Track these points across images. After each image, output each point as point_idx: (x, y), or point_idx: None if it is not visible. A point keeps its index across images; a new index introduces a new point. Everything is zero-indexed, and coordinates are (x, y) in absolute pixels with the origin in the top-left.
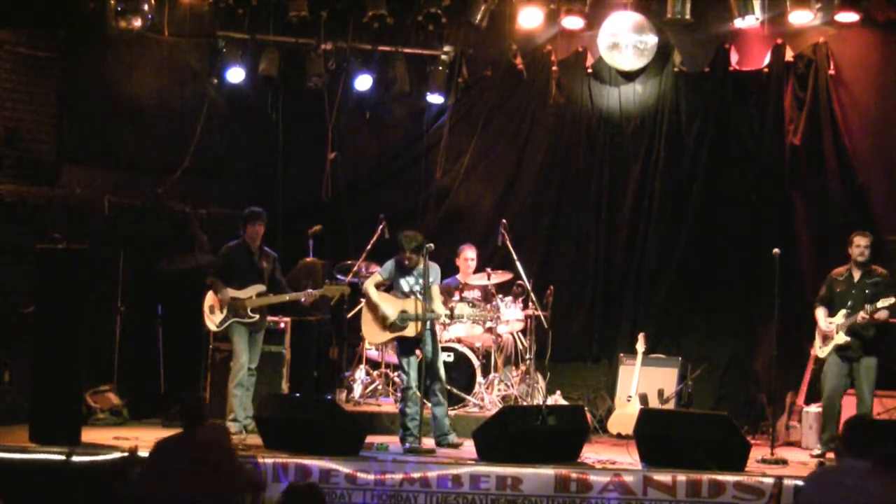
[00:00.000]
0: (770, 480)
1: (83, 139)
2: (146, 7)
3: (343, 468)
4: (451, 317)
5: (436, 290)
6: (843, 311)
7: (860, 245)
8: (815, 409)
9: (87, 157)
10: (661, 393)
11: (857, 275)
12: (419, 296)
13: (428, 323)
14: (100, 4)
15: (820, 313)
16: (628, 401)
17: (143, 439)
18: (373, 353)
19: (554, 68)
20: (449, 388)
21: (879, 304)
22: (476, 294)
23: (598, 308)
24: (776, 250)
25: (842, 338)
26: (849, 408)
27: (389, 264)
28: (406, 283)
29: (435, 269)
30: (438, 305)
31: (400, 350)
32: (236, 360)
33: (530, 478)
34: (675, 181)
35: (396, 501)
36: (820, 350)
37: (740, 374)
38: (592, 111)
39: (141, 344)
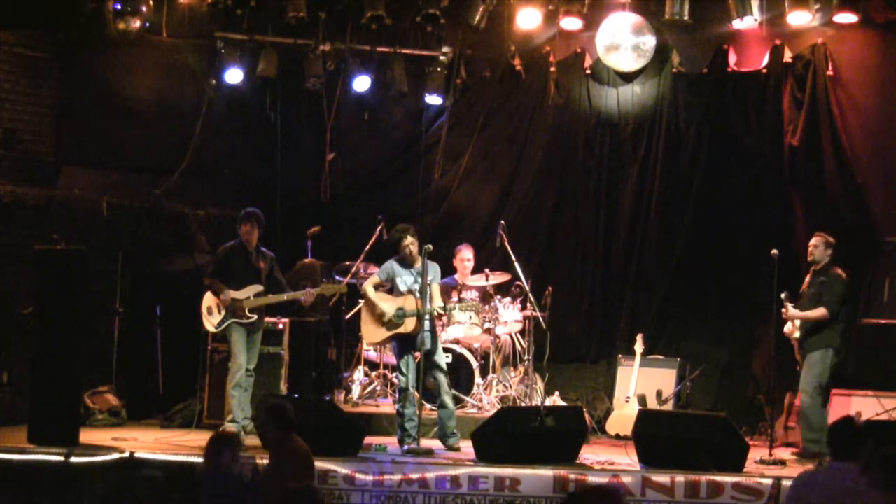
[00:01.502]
0: (768, 481)
1: (82, 140)
2: (145, 8)
3: (341, 469)
4: (445, 309)
5: (436, 289)
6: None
7: (810, 245)
8: None
9: (86, 157)
10: (659, 394)
11: (813, 274)
12: (417, 294)
13: (427, 323)
14: (99, 5)
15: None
16: (627, 402)
17: (142, 440)
18: (371, 354)
19: (552, 69)
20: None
21: (790, 311)
22: (474, 294)
23: (597, 309)
24: (775, 251)
25: (795, 334)
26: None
27: (387, 265)
28: (404, 282)
29: (434, 268)
30: (437, 301)
31: (398, 351)
32: (234, 360)
33: (529, 479)
34: (674, 182)
35: (395, 502)
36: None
37: (739, 375)
38: (591, 112)
39: (139, 345)
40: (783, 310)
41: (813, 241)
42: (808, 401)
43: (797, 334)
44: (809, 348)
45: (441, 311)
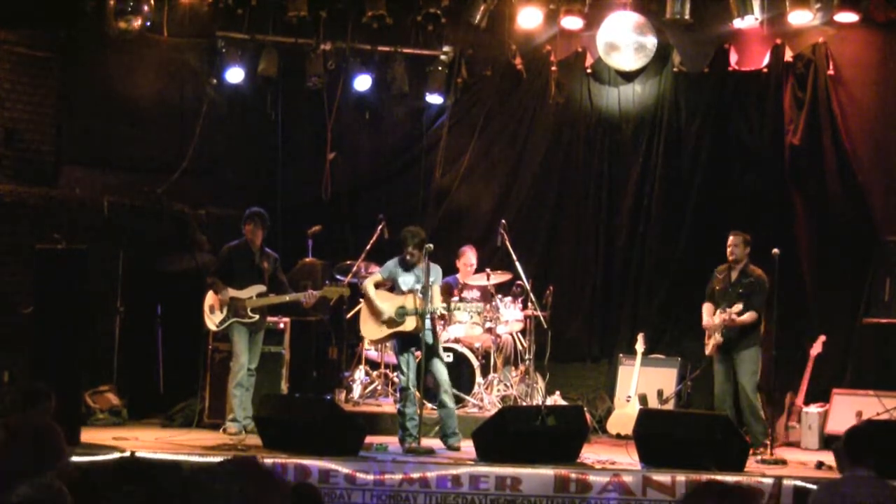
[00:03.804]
0: (769, 481)
1: (83, 139)
2: (146, 7)
3: (342, 468)
4: (448, 309)
5: (436, 290)
6: (718, 311)
7: (729, 245)
8: (814, 409)
9: (86, 157)
10: (660, 393)
11: (734, 274)
12: (419, 294)
13: (428, 322)
14: (100, 4)
15: (705, 309)
16: (627, 401)
17: (143, 439)
18: (372, 353)
19: (553, 68)
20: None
21: (732, 308)
22: (475, 294)
23: (598, 308)
24: (776, 250)
25: (718, 337)
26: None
27: (390, 263)
28: (405, 281)
29: (436, 270)
30: (437, 302)
31: (398, 349)
32: (236, 360)
33: (529, 478)
34: (675, 181)
35: (396, 502)
36: (707, 347)
37: None
38: (592, 111)
39: (140, 344)
40: (723, 318)
41: (732, 239)
42: (751, 399)
43: (718, 338)
44: (740, 348)
45: (444, 311)
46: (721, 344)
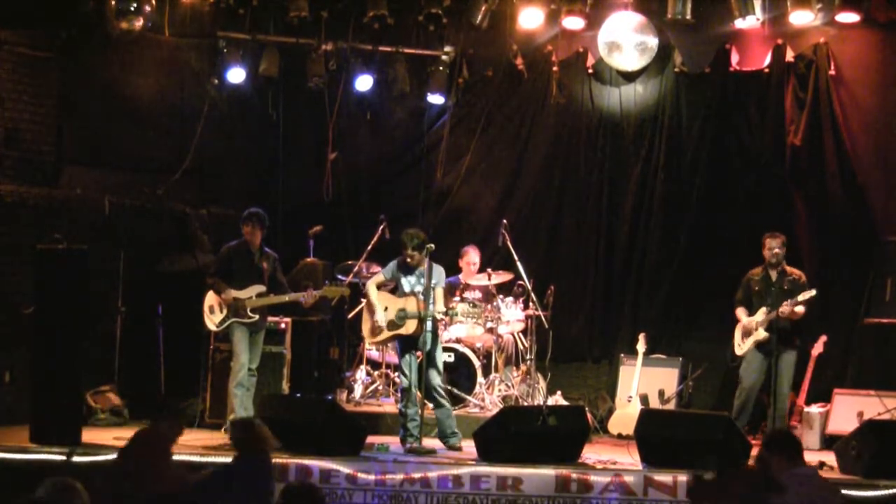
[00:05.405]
0: None
1: (83, 139)
2: (147, 7)
3: (343, 468)
4: (446, 313)
5: (440, 293)
6: (763, 309)
7: (771, 247)
8: (816, 409)
9: (87, 157)
10: (661, 393)
11: (773, 275)
12: (420, 296)
13: (429, 323)
14: (100, 4)
15: (741, 312)
16: (629, 401)
17: None
18: (373, 353)
19: (554, 69)
20: (449, 388)
21: (800, 297)
22: (477, 294)
23: (599, 308)
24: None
25: (761, 333)
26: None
27: (392, 264)
28: (408, 282)
29: (439, 271)
30: (439, 305)
31: (400, 350)
32: (237, 360)
33: (531, 478)
34: (676, 181)
35: (397, 502)
36: (739, 347)
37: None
38: (593, 112)
39: (141, 344)
40: (784, 311)
41: (774, 242)
42: (786, 404)
43: (761, 335)
44: (784, 350)
45: (441, 315)
46: (763, 342)
